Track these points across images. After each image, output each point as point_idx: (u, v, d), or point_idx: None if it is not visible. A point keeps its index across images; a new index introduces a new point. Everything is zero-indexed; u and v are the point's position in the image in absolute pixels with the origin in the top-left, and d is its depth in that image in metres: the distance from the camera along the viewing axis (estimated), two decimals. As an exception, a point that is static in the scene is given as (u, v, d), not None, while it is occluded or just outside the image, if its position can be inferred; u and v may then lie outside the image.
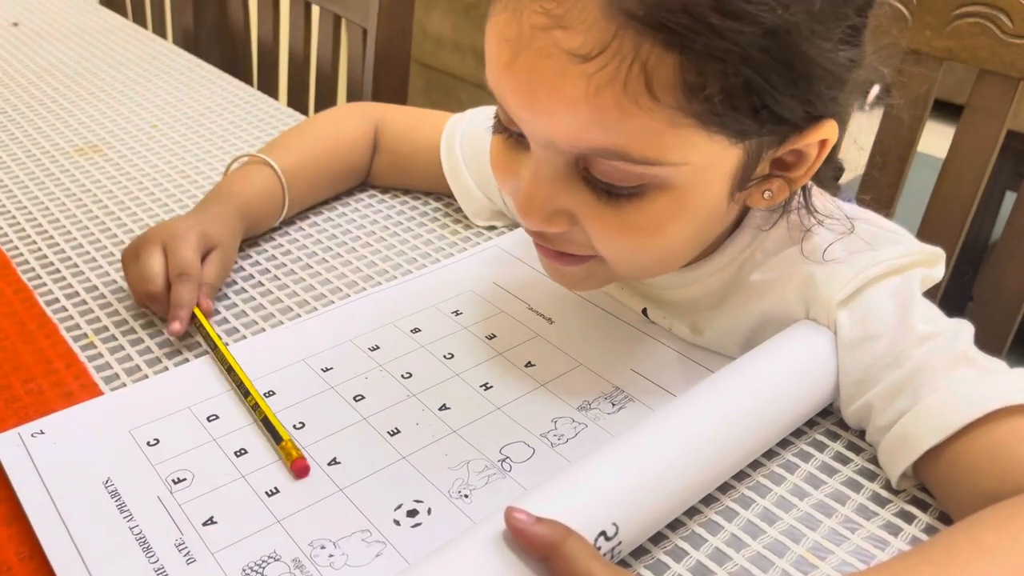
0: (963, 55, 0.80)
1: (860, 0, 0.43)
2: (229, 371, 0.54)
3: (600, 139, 0.42)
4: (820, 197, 0.53)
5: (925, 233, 0.86)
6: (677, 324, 0.57)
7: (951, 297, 0.85)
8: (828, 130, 0.45)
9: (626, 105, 0.40)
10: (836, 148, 0.49)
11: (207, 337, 0.57)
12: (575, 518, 0.39)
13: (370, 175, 0.77)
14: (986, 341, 0.85)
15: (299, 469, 0.47)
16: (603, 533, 0.40)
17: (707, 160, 0.43)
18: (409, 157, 0.74)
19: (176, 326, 0.56)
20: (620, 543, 0.40)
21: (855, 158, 0.69)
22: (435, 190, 0.76)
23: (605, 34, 0.39)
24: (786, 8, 0.39)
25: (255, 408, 0.51)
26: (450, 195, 0.73)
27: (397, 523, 0.45)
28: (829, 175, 0.59)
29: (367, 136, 0.74)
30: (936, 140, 0.86)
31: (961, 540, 0.38)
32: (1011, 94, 0.78)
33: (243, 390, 0.52)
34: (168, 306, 0.57)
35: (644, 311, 0.59)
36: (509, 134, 0.48)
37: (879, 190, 0.88)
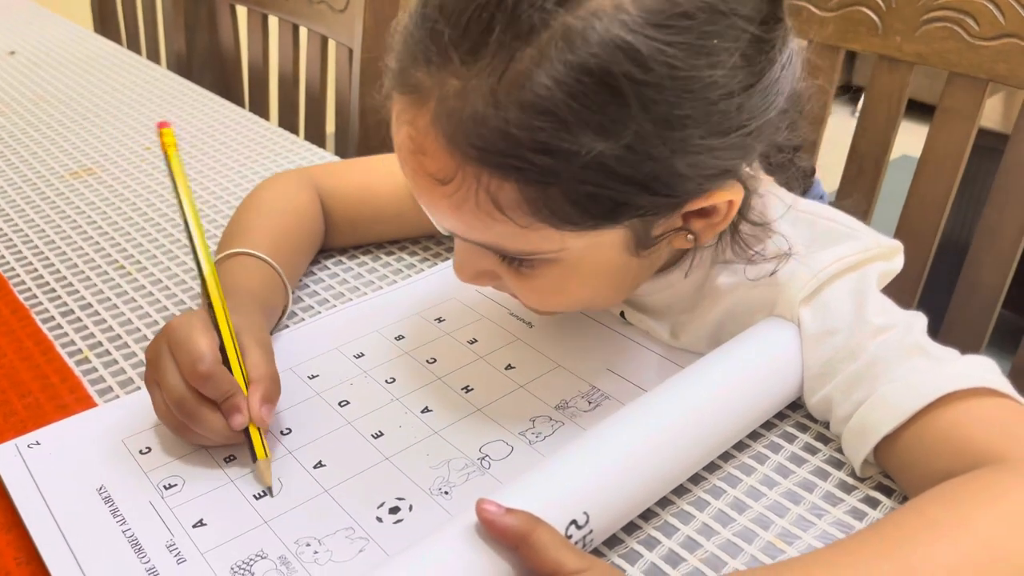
0: (933, 59, 0.82)
1: (733, 86, 0.42)
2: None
3: (478, 237, 0.47)
4: (775, 194, 0.54)
5: (902, 233, 0.88)
6: (655, 327, 0.59)
7: (931, 293, 0.87)
8: (726, 193, 0.46)
9: (483, 218, 0.44)
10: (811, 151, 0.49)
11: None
12: (546, 508, 0.41)
13: (327, 242, 0.71)
14: (964, 338, 0.87)
15: None
16: (574, 522, 0.41)
17: (584, 242, 0.46)
18: (372, 217, 0.71)
19: (238, 418, 0.49)
20: (591, 531, 0.42)
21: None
22: (403, 235, 0.73)
23: (452, 165, 0.43)
24: (626, 128, 0.40)
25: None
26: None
27: (380, 520, 0.46)
28: (798, 178, 0.60)
29: (317, 202, 0.69)
30: (912, 140, 0.88)
31: (910, 516, 0.40)
32: (980, 95, 0.80)
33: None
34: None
35: (621, 314, 0.61)
36: None
37: (856, 192, 0.90)
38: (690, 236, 0.49)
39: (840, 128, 1.01)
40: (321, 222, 0.69)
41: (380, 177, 0.70)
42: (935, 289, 0.89)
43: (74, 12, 1.50)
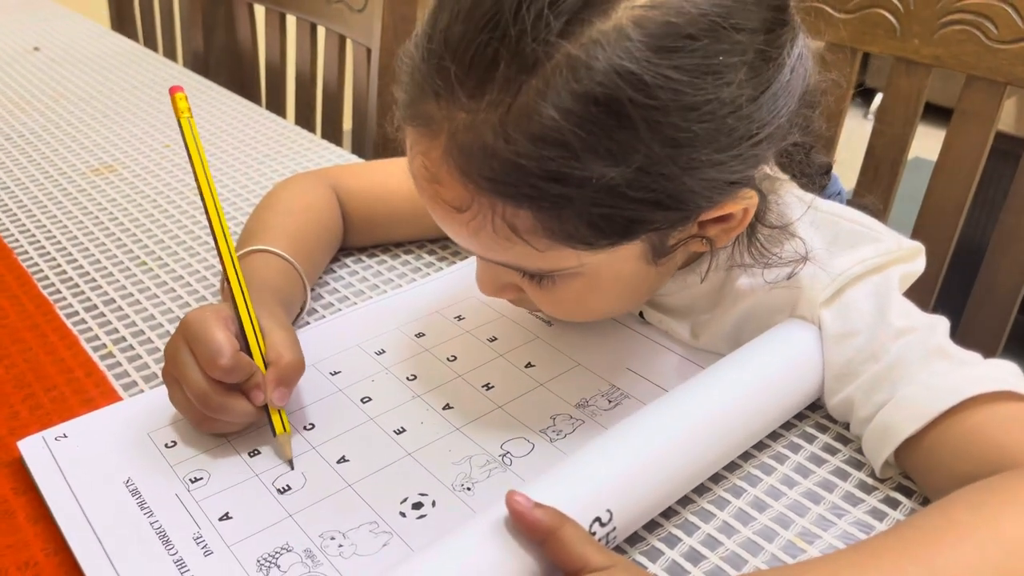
0: (951, 62, 0.82)
1: (741, 99, 0.42)
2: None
3: (498, 259, 0.48)
4: (797, 194, 0.54)
5: (919, 236, 0.88)
6: (675, 327, 0.59)
7: (947, 297, 0.87)
8: (744, 200, 0.47)
9: (502, 242, 0.45)
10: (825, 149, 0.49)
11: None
12: (571, 505, 0.41)
13: (346, 241, 0.72)
14: (981, 340, 0.87)
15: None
16: (598, 519, 0.42)
17: (602, 258, 0.46)
18: (389, 217, 0.71)
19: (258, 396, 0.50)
20: (614, 529, 0.42)
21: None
22: (421, 237, 0.74)
23: (466, 195, 0.44)
24: (633, 154, 0.40)
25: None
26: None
27: (403, 515, 0.47)
28: (817, 175, 0.61)
29: (335, 201, 0.69)
30: (928, 143, 0.88)
31: (935, 518, 0.40)
32: (998, 99, 0.80)
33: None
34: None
35: (640, 314, 0.61)
36: None
37: (872, 193, 0.90)
38: (705, 241, 0.49)
39: (853, 129, 1.01)
40: (339, 221, 0.70)
41: (398, 179, 0.69)
42: (951, 292, 0.89)
43: (92, 10, 1.51)
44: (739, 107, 0.42)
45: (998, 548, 0.38)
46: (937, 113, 0.97)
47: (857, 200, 0.87)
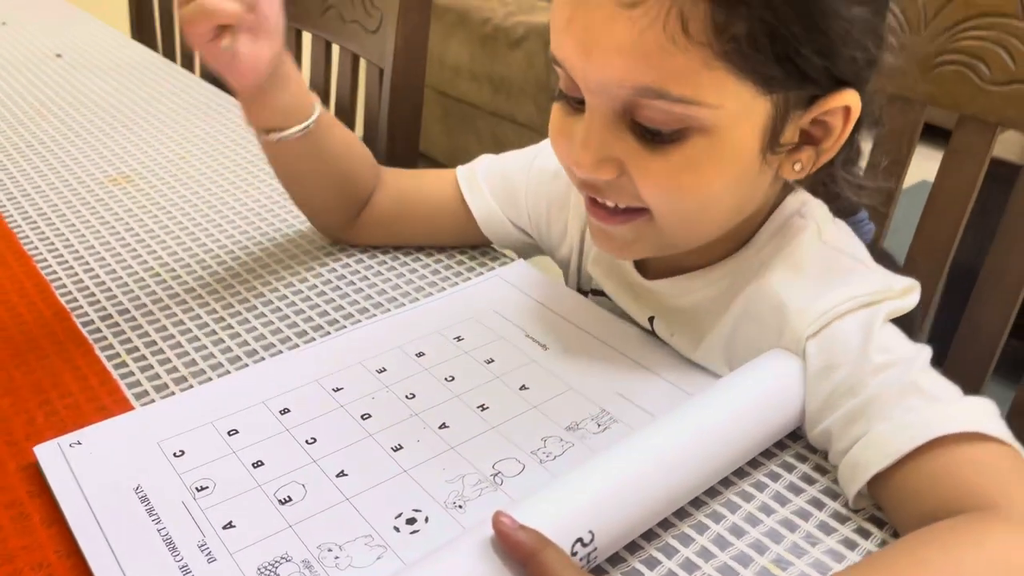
0: (944, 100, 0.84)
1: None
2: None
3: (644, 78, 0.48)
4: (836, 229, 0.59)
5: (910, 266, 0.90)
6: (679, 334, 0.62)
7: (939, 326, 0.88)
8: (850, 97, 0.50)
9: (666, 45, 0.46)
10: (858, 128, 0.53)
11: None
12: (555, 525, 0.43)
13: (364, 217, 0.76)
14: (967, 374, 0.88)
15: None
16: (580, 540, 0.44)
17: (739, 105, 0.49)
18: (409, 210, 0.77)
19: None
20: (596, 549, 0.45)
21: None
22: (431, 240, 0.78)
23: None
24: None
25: None
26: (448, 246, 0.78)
27: (397, 530, 0.49)
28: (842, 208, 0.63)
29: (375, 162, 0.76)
30: (932, 165, 0.90)
31: (901, 555, 0.43)
32: (989, 138, 0.82)
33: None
34: None
35: (651, 320, 0.64)
36: (567, 100, 0.55)
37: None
38: (797, 164, 0.53)
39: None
40: (373, 169, 0.76)
41: (427, 179, 0.77)
42: (944, 320, 0.91)
43: (113, 17, 1.55)
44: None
45: None
46: (939, 135, 0.97)
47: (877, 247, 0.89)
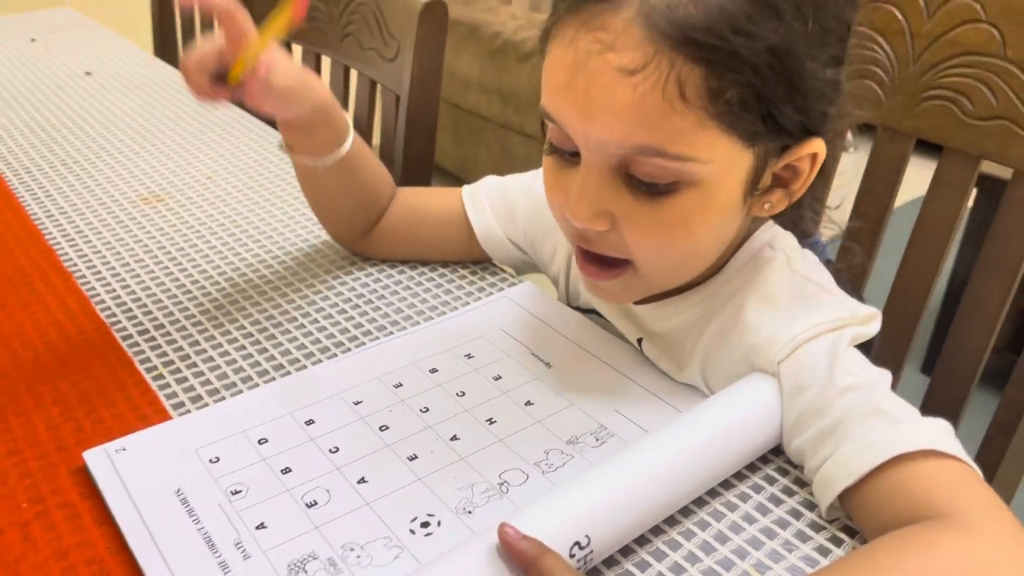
0: (929, 133, 0.89)
1: (840, 31, 0.55)
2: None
3: (643, 138, 0.52)
4: (803, 259, 0.63)
5: (897, 289, 0.95)
6: (664, 358, 0.67)
7: (936, 344, 0.91)
8: (817, 145, 0.56)
9: (664, 108, 0.50)
10: (824, 172, 0.59)
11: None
12: (556, 529, 0.49)
13: (378, 229, 0.82)
14: (953, 385, 0.91)
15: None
16: (577, 543, 0.49)
17: (728, 159, 0.54)
18: (424, 207, 0.83)
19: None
20: (592, 552, 0.50)
21: (838, 218, 0.79)
22: (437, 253, 0.84)
23: (647, 53, 0.50)
24: (786, 29, 0.50)
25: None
26: (456, 262, 0.84)
27: (412, 532, 0.55)
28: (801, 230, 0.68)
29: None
30: (927, 176, 0.94)
31: (861, 560, 0.48)
32: (972, 170, 0.87)
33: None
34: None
35: (639, 341, 0.69)
36: (559, 154, 0.59)
37: (859, 245, 0.97)
38: (767, 204, 0.58)
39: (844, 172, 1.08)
40: (390, 185, 0.82)
41: (436, 197, 0.82)
42: (942, 334, 0.94)
43: (137, 35, 1.61)
44: (834, 59, 0.54)
45: None
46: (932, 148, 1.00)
47: (838, 262, 0.93)
